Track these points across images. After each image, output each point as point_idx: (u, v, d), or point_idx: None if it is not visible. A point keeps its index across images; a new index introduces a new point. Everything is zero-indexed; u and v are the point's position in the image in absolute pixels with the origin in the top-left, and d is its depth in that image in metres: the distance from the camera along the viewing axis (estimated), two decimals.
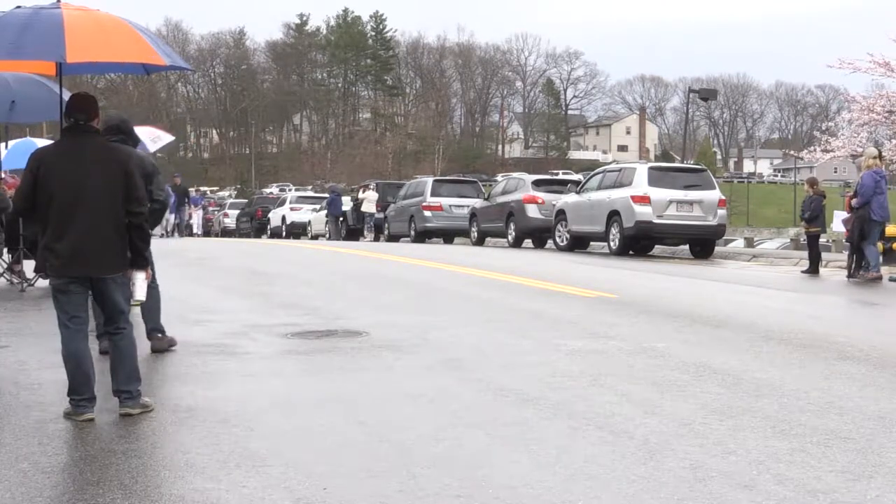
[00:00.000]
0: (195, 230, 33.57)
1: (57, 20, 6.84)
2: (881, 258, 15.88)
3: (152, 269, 8.05)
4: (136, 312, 8.20)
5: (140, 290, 6.05)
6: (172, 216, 31.46)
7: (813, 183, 17.90)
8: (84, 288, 5.78)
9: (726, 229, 23.16)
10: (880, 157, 15.95)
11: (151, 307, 7.95)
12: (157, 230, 28.52)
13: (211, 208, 51.99)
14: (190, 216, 34.42)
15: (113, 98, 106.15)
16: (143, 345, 7.96)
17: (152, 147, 13.88)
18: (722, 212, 20.67)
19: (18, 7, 7.17)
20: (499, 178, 53.85)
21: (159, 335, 7.95)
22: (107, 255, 5.75)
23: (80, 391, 5.74)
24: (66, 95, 10.32)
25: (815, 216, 17.18)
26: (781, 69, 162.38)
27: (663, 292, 12.45)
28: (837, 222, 21.65)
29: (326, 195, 38.39)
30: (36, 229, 6.18)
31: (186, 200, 32.94)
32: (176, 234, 31.37)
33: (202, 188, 56.63)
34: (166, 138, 15.44)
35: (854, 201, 15.21)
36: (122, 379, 5.83)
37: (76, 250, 5.66)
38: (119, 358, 5.88)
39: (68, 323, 5.76)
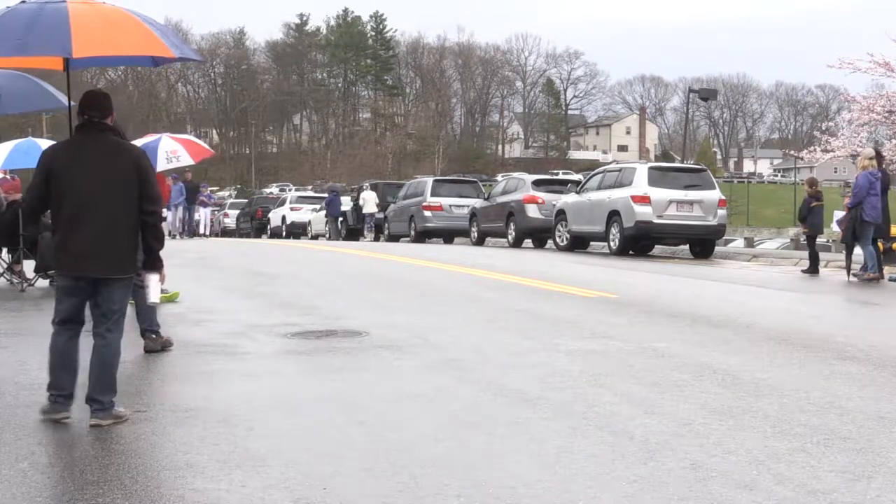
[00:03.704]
0: (202, 230, 32.73)
1: (63, 14, 6.82)
2: (880, 258, 15.85)
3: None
4: (131, 314, 8.21)
5: (154, 293, 5.97)
6: (182, 213, 30.76)
7: (811, 183, 17.94)
8: (89, 289, 5.67)
9: (726, 229, 23.16)
10: (880, 156, 15.93)
11: (145, 308, 7.93)
12: (166, 229, 28.15)
13: (210, 208, 51.66)
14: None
15: (113, 98, 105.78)
16: (139, 343, 7.98)
17: (164, 165, 13.46)
18: (722, 212, 20.67)
19: (23, 2, 7.16)
20: (499, 178, 53.89)
21: (153, 336, 7.93)
22: (119, 255, 5.64)
23: (60, 385, 5.65)
24: (57, 92, 10.29)
25: (803, 216, 17.27)
26: (781, 69, 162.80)
27: (663, 292, 12.45)
28: (836, 222, 21.66)
29: (326, 195, 38.37)
30: (34, 229, 6.10)
31: (195, 198, 31.91)
32: (184, 231, 30.74)
33: (210, 187, 55.89)
34: (186, 160, 14.43)
35: (847, 201, 15.27)
36: (97, 388, 5.66)
37: (88, 249, 5.56)
38: (99, 365, 5.70)
39: (63, 325, 5.67)
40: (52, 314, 5.87)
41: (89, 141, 5.75)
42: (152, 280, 5.90)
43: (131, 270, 5.77)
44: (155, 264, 5.89)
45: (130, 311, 8.15)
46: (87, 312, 5.82)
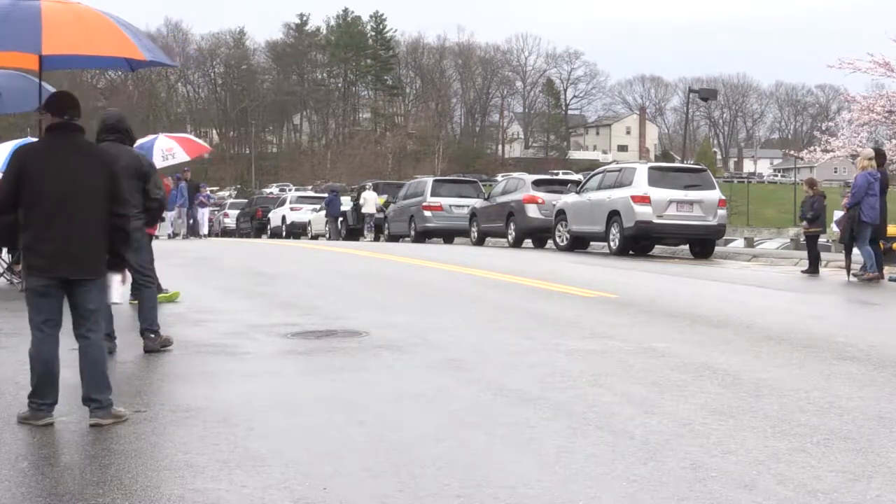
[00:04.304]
0: (202, 230, 32.47)
1: (35, 12, 6.83)
2: (881, 258, 15.84)
3: (152, 271, 8.07)
4: (132, 314, 8.21)
5: (116, 293, 5.97)
6: (178, 212, 30.29)
7: (812, 184, 17.93)
8: (62, 291, 5.66)
9: (726, 229, 23.15)
10: (882, 155, 15.93)
11: (145, 307, 7.94)
12: (166, 230, 27.99)
13: (210, 208, 51.47)
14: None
15: (113, 98, 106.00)
16: (139, 343, 7.98)
17: (160, 163, 13.41)
18: (722, 212, 20.66)
19: None
20: (499, 178, 53.88)
21: (152, 335, 7.92)
22: (92, 256, 5.66)
23: (43, 395, 5.63)
24: (45, 89, 10.28)
25: (816, 216, 17.21)
26: (781, 69, 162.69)
27: (663, 292, 12.45)
28: (835, 223, 21.65)
29: (326, 195, 38.33)
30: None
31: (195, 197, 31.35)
32: (185, 232, 30.43)
33: (210, 188, 55.53)
34: (181, 157, 14.46)
35: (845, 201, 15.27)
36: (92, 387, 5.67)
37: (62, 251, 5.56)
38: (86, 363, 5.71)
39: (42, 326, 5.64)
40: None
41: (63, 142, 5.72)
42: (114, 280, 5.90)
43: (103, 271, 5.76)
44: (118, 265, 5.89)
45: (132, 311, 8.18)
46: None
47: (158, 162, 13.18)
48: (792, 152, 49.52)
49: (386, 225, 31.86)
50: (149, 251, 8.16)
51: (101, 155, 5.85)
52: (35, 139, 15.48)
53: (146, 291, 8.02)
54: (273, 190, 77.77)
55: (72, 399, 5.86)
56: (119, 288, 5.96)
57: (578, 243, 22.43)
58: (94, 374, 5.69)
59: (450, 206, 28.29)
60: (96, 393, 5.67)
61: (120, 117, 8.05)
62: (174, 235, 30.17)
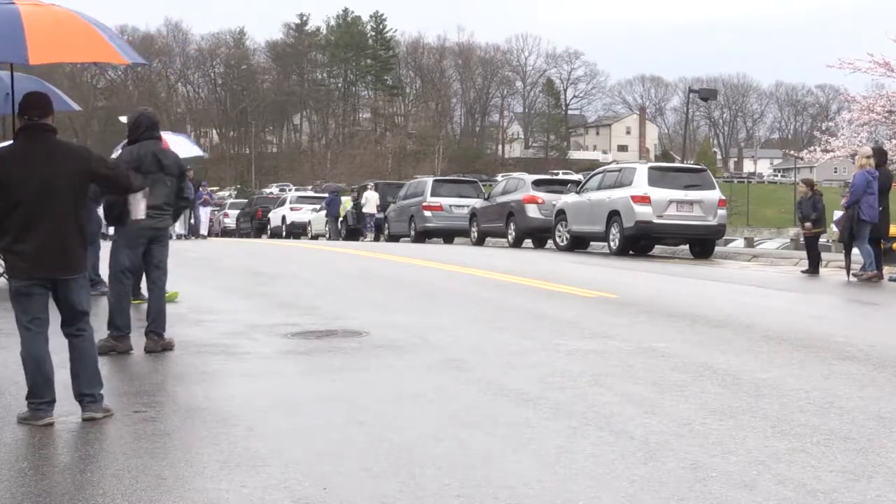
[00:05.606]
0: (201, 230, 32.25)
1: (15, 18, 6.52)
2: (881, 258, 15.84)
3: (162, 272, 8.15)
4: (135, 316, 8.21)
5: (141, 209, 6.27)
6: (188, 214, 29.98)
7: (811, 184, 17.96)
8: (46, 290, 5.67)
9: (726, 229, 23.15)
10: (883, 153, 15.92)
11: (153, 308, 7.95)
12: (179, 229, 27.92)
13: (210, 208, 51.34)
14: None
15: (113, 98, 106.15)
16: (139, 343, 7.98)
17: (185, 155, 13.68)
18: (722, 212, 20.66)
19: None
20: (499, 178, 53.87)
21: (155, 337, 7.93)
22: (71, 255, 5.67)
23: (40, 394, 5.64)
24: (61, 94, 10.29)
25: (819, 217, 17.23)
26: (781, 69, 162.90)
27: (663, 292, 12.45)
28: (834, 222, 21.65)
29: (326, 195, 38.33)
30: None
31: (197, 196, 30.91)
32: (188, 232, 30.23)
33: (210, 187, 55.29)
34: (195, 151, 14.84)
35: (844, 201, 15.29)
36: (85, 382, 5.71)
37: (41, 252, 5.56)
38: (80, 360, 5.74)
39: (29, 325, 5.64)
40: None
41: (36, 143, 5.70)
42: (138, 196, 6.15)
43: (83, 269, 5.79)
44: (134, 186, 6.23)
45: (133, 311, 8.17)
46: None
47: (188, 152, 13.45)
48: (792, 152, 49.54)
49: (386, 225, 31.87)
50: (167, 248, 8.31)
51: (77, 153, 5.84)
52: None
53: (159, 291, 8.06)
54: (273, 190, 77.79)
55: (71, 399, 5.86)
56: (143, 204, 6.21)
57: (578, 243, 22.44)
58: (88, 369, 5.75)
59: (450, 206, 28.30)
60: (89, 388, 5.73)
61: (153, 115, 8.44)
62: (177, 236, 30.06)
